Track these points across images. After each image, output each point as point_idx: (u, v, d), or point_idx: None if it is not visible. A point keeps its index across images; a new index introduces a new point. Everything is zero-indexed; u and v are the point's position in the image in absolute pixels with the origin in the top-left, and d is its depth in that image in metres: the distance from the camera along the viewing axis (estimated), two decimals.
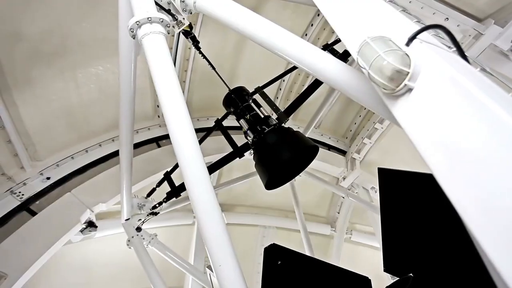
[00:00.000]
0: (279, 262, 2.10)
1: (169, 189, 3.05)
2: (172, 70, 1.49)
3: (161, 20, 1.59)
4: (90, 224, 3.28)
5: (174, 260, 3.27)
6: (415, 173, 1.83)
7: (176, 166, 3.14)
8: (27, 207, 3.00)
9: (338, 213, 5.41)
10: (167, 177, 3.10)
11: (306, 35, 4.20)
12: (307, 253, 4.02)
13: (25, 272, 2.58)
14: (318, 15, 4.07)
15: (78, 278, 3.81)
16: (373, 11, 1.14)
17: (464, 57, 0.83)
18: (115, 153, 3.63)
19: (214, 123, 2.99)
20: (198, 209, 1.28)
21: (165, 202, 3.17)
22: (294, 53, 1.35)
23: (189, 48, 3.84)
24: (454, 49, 0.87)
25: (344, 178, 5.07)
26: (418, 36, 0.85)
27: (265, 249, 2.15)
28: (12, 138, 2.88)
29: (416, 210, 1.88)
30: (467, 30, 3.24)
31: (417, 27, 0.92)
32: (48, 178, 3.22)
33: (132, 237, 3.10)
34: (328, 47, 3.27)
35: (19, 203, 2.97)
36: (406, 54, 0.81)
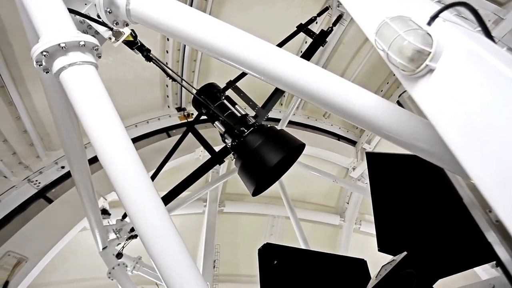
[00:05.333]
0: (275, 262, 2.09)
1: None
2: (113, 115, 1.11)
3: (82, 43, 1.08)
4: (104, 212, 3.36)
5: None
6: (401, 155, 1.83)
7: (156, 171, 2.81)
8: (43, 195, 3.11)
9: (348, 203, 5.39)
10: None
11: (316, 23, 4.08)
12: (301, 244, 4.09)
13: (44, 256, 2.70)
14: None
15: (92, 262, 3.94)
16: None
17: (489, 36, 0.79)
18: None
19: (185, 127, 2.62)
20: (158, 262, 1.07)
21: None
22: (281, 74, 1.09)
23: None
24: (479, 28, 0.83)
25: (354, 169, 5.03)
26: (440, 15, 0.81)
27: (259, 250, 2.12)
28: (27, 128, 2.95)
29: (403, 190, 1.90)
30: (487, 15, 3.08)
31: (438, 6, 0.87)
32: (62, 167, 3.30)
33: (113, 268, 2.69)
34: (303, 28, 3.00)
35: (36, 191, 3.09)
36: (428, 33, 0.77)
